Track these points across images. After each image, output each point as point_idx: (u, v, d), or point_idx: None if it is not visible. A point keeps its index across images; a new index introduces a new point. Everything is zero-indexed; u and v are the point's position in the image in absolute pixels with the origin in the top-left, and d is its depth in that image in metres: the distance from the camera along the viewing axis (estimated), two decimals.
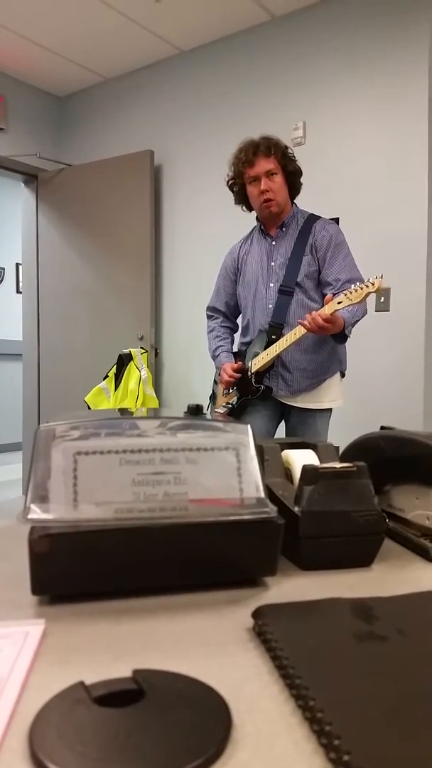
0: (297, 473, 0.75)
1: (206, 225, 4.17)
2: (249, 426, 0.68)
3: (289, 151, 2.51)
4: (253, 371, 2.47)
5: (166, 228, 4.41)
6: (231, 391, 2.58)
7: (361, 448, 0.85)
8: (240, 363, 2.56)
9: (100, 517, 0.58)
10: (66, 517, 0.57)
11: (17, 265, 7.27)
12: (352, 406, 3.49)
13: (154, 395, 4.14)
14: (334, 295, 2.21)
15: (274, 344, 2.38)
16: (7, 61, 4.46)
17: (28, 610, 0.58)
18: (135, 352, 4.13)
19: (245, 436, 0.66)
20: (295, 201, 2.60)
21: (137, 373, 4.06)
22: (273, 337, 2.40)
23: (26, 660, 0.47)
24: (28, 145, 4.77)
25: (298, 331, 2.26)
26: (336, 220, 3.55)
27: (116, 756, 0.34)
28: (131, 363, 4.09)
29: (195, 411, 0.73)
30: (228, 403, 2.57)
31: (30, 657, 0.47)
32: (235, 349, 2.71)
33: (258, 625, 0.51)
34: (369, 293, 2.09)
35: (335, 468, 0.70)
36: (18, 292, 7.29)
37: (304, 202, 3.66)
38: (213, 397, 2.74)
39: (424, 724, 0.37)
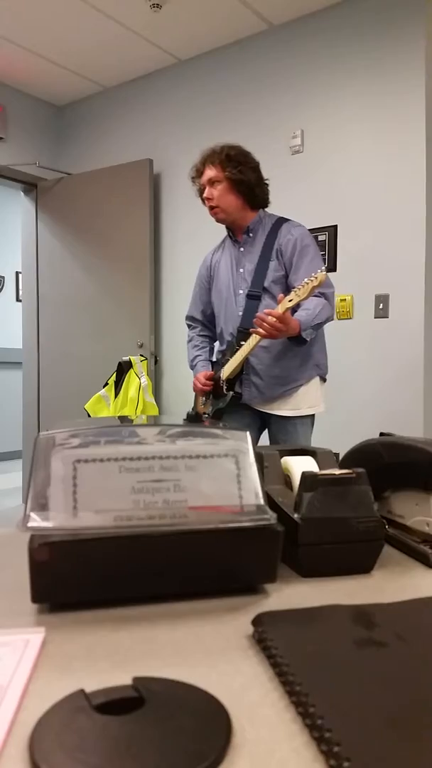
0: (296, 480, 0.75)
1: (205, 232, 4.18)
2: (248, 433, 0.68)
3: (245, 159, 2.42)
4: (223, 378, 2.43)
5: (165, 236, 4.43)
6: (207, 400, 2.54)
7: (360, 455, 0.86)
8: (213, 371, 2.53)
9: (99, 525, 0.58)
10: (66, 525, 0.58)
11: (17, 273, 7.29)
12: (351, 413, 3.49)
13: (154, 402, 4.14)
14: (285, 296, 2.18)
15: (239, 350, 2.35)
16: (7, 71, 4.48)
17: (28, 618, 0.58)
18: (135, 359, 4.14)
19: (244, 443, 0.67)
20: (265, 208, 2.52)
21: (137, 380, 4.06)
22: (241, 343, 2.35)
23: (26, 668, 0.47)
24: (28, 154, 4.79)
25: (256, 335, 2.23)
26: (334, 228, 3.57)
27: (117, 763, 0.34)
28: (131, 370, 4.09)
29: (194, 418, 0.73)
30: (204, 413, 2.54)
31: (30, 665, 0.47)
32: (215, 358, 2.66)
33: (258, 633, 0.51)
34: (314, 287, 2.07)
35: (334, 475, 0.70)
36: (18, 300, 7.30)
37: (303, 209, 3.68)
38: (194, 409, 2.72)
39: (424, 730, 0.37)
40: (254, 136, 3.91)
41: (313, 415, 2.49)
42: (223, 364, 2.45)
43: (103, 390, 4.14)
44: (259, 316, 2.15)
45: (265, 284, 2.40)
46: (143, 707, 0.40)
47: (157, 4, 3.60)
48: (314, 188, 3.67)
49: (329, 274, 3.57)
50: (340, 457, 0.88)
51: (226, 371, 2.42)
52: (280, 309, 2.12)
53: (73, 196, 4.70)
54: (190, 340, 2.75)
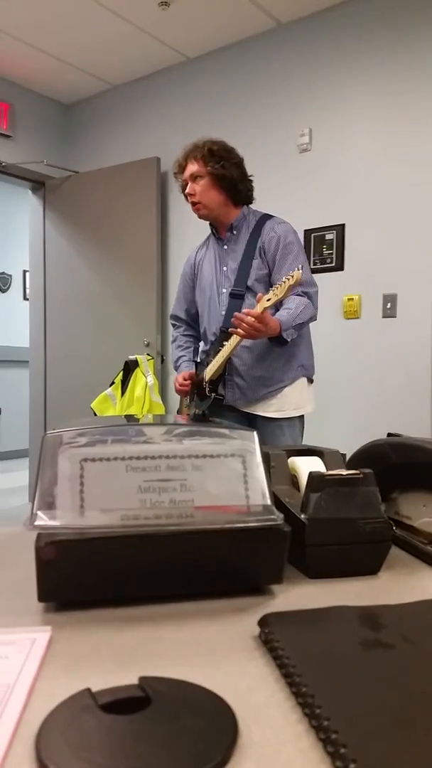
0: (303, 480, 0.75)
1: None
2: (255, 433, 0.68)
3: (228, 155, 2.39)
4: (207, 380, 2.38)
5: (172, 234, 4.43)
6: (191, 402, 2.50)
7: (367, 455, 0.85)
8: (193, 372, 2.49)
9: (106, 524, 0.58)
10: (72, 524, 0.58)
11: (24, 272, 7.30)
12: (358, 412, 3.49)
13: (161, 402, 4.14)
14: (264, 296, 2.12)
15: (221, 351, 2.29)
16: (14, 69, 4.49)
17: (35, 617, 0.58)
18: (141, 358, 4.13)
19: (251, 443, 0.66)
20: (250, 205, 2.48)
21: (143, 379, 4.06)
22: (224, 343, 2.27)
23: (33, 667, 0.47)
24: (35, 152, 4.80)
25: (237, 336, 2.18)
26: (342, 227, 3.57)
27: (122, 763, 0.34)
28: (137, 369, 4.09)
29: (201, 418, 0.73)
30: (188, 415, 2.48)
31: (36, 664, 0.47)
32: (199, 358, 2.60)
33: (264, 633, 0.51)
34: (290, 286, 2.02)
35: (342, 475, 0.69)
36: (25, 299, 7.31)
37: (311, 207, 3.67)
38: (179, 412, 2.67)
39: (431, 732, 0.37)
40: (262, 134, 3.91)
41: (301, 417, 2.43)
42: (207, 365, 2.40)
43: (110, 389, 4.14)
44: (237, 315, 2.10)
45: (249, 283, 2.35)
46: (149, 707, 0.40)
47: (165, 2, 3.60)
48: (322, 186, 3.66)
49: (336, 273, 3.58)
50: (348, 458, 0.88)
51: (208, 372, 2.37)
52: (258, 309, 2.07)
53: (81, 194, 4.70)
54: (174, 340, 2.70)
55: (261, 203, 2.55)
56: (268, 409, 2.37)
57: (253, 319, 2.06)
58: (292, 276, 2.00)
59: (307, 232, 3.69)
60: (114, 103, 4.78)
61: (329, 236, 3.61)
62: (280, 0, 3.58)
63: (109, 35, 4.01)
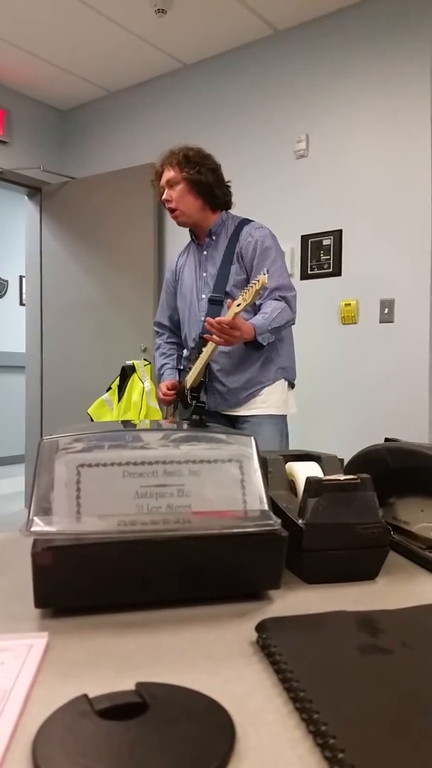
0: (301, 485, 0.75)
1: None
2: (252, 438, 0.68)
3: (203, 160, 2.38)
4: (188, 387, 2.38)
5: (169, 240, 4.43)
6: (176, 410, 2.49)
7: (365, 460, 0.85)
8: (176, 381, 2.49)
9: (103, 530, 0.58)
10: (69, 530, 0.57)
11: (21, 277, 7.30)
12: (356, 418, 3.49)
13: (158, 407, 4.13)
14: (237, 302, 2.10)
15: (200, 357, 2.28)
16: (11, 75, 4.50)
17: (32, 623, 0.58)
18: (138, 364, 4.13)
19: (249, 448, 0.66)
20: (229, 210, 2.49)
21: (140, 385, 4.05)
22: (203, 349, 2.26)
23: (29, 673, 0.47)
24: (32, 158, 4.80)
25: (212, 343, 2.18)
26: (339, 232, 3.57)
27: None
28: (134, 375, 4.08)
29: (198, 423, 0.73)
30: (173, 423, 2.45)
31: (33, 670, 0.47)
32: (182, 365, 2.59)
33: (262, 639, 0.51)
34: (257, 291, 1.99)
35: (339, 480, 0.69)
36: (21, 304, 7.31)
37: (308, 213, 3.68)
38: (164, 419, 2.68)
39: (429, 737, 0.36)
40: (259, 140, 3.92)
41: (283, 419, 2.42)
42: (189, 371, 2.39)
43: (107, 394, 4.13)
44: (209, 321, 2.08)
45: (227, 288, 2.35)
46: (146, 713, 0.40)
47: (162, 9, 3.61)
48: (319, 192, 3.67)
49: (334, 278, 3.58)
50: (345, 463, 0.88)
51: (189, 380, 2.37)
52: (229, 315, 2.06)
53: (78, 201, 4.71)
54: (157, 348, 2.69)
55: (258, 209, 2.56)
56: (249, 407, 2.37)
57: (225, 326, 2.05)
58: (258, 281, 1.97)
59: (305, 238, 3.70)
60: (111, 109, 4.79)
61: (326, 242, 3.62)
62: (277, 7, 3.60)
63: (105, 42, 4.02)
